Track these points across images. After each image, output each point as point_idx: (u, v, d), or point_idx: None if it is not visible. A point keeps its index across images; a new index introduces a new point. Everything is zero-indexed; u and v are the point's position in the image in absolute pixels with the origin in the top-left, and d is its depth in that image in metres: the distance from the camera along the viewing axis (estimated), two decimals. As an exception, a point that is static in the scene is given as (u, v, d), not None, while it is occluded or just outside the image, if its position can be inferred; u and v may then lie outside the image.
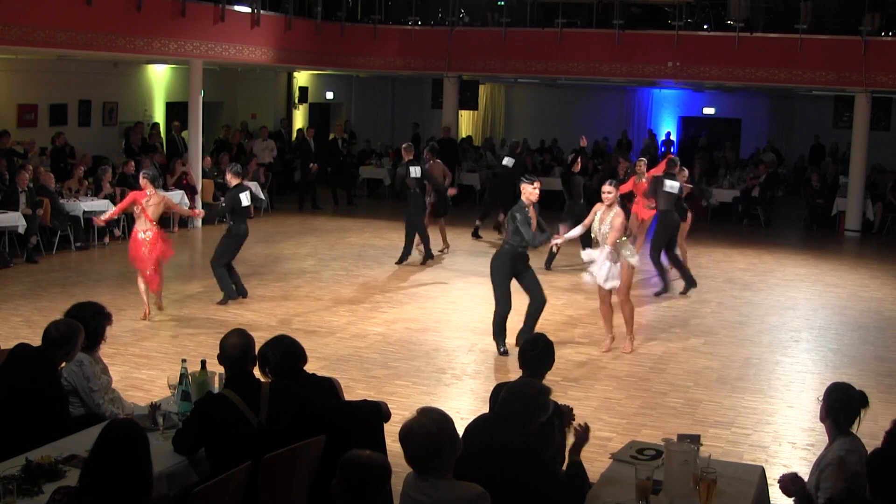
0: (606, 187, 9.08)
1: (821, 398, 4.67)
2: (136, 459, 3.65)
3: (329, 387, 5.36)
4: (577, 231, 9.32)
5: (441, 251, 14.39)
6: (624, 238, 9.03)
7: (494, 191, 16.51)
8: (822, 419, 4.64)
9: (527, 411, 4.37)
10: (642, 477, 4.26)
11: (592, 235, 9.23)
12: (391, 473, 3.56)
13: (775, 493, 4.93)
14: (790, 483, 4.42)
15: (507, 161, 16.00)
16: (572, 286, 12.29)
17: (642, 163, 13.88)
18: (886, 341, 10.23)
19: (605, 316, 9.42)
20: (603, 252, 9.03)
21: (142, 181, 10.07)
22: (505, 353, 9.00)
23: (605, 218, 9.00)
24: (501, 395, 4.47)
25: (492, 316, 9.17)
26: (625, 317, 9.31)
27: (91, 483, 3.60)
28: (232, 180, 10.79)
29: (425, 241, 13.73)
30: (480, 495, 3.75)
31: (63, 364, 5.20)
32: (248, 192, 10.91)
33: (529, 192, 8.85)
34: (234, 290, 10.86)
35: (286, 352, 5.17)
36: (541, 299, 9.08)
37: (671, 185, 11.92)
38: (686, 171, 12.91)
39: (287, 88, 22.71)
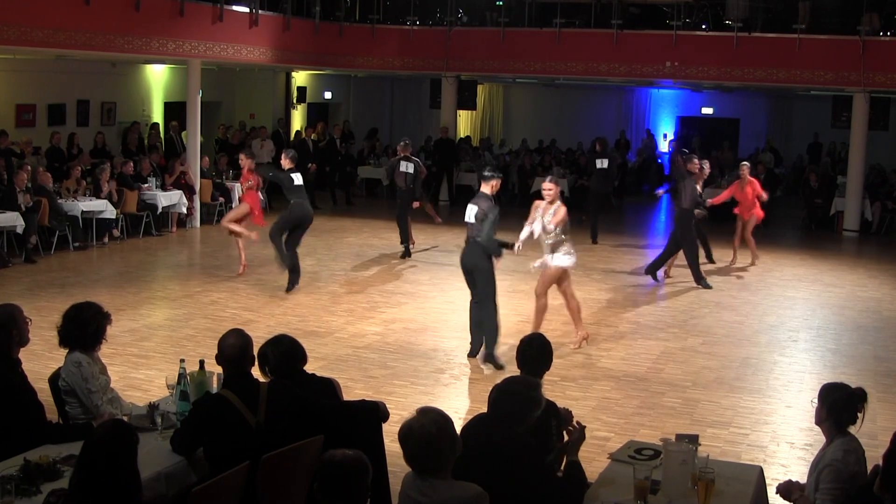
0: (547, 184, 9.02)
1: (815, 401, 4.62)
2: (124, 461, 3.65)
3: (329, 387, 5.37)
4: (524, 233, 9.11)
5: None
6: (563, 237, 8.98)
7: (596, 196, 16.13)
8: (820, 422, 4.58)
9: (518, 409, 4.38)
10: (640, 477, 4.26)
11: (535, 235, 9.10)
12: (370, 469, 3.54)
13: (773, 493, 4.94)
14: (789, 489, 4.42)
15: (601, 163, 16.03)
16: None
17: (745, 167, 14.28)
18: (885, 341, 10.24)
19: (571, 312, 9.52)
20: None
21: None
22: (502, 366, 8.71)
23: (546, 214, 8.94)
24: (492, 395, 4.48)
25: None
26: (537, 309, 9.35)
27: (81, 486, 3.60)
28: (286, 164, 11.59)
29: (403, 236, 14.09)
30: (479, 495, 3.75)
31: (13, 349, 4.98)
32: (299, 174, 11.73)
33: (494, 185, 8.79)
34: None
35: (286, 352, 5.18)
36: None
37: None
38: (707, 166, 13.10)
39: (285, 88, 22.70)
